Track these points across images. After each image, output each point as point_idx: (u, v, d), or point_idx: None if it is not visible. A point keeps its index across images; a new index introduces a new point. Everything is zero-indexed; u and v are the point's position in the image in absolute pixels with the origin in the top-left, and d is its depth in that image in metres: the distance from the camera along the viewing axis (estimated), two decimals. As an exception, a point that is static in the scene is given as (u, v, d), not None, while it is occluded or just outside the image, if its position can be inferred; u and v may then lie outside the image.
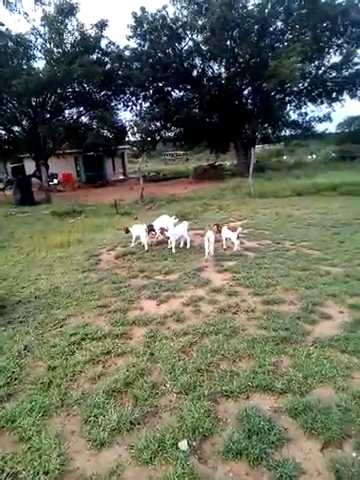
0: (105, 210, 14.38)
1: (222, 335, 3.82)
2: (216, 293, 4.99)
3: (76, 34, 22.95)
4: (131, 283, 5.70)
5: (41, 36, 22.80)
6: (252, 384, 3.08)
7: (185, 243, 7.60)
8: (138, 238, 8.00)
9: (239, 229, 7.10)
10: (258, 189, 15.31)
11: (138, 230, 7.95)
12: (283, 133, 29.46)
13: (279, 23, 22.99)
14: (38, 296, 5.57)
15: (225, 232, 7.09)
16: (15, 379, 3.47)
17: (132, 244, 7.99)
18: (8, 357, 3.84)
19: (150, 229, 8.08)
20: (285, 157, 44.05)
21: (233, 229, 7.16)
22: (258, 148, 33.35)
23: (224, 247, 7.29)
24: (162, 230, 7.99)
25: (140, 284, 5.59)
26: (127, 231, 8.15)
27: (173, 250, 7.27)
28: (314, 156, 42.96)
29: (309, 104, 28.55)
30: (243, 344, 3.62)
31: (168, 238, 7.67)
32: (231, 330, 3.90)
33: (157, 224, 8.15)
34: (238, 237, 7.09)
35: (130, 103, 28.34)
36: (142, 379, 3.25)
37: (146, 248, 7.71)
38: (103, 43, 24.83)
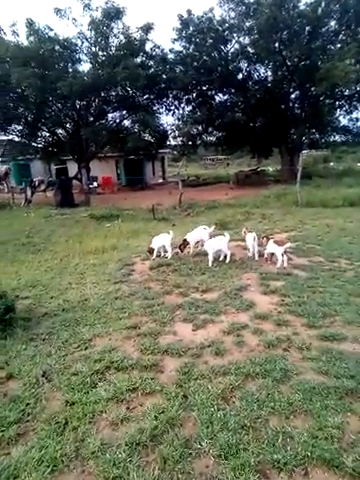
0: (142, 215, 14.03)
1: (271, 379, 3.15)
2: (262, 321, 4.31)
3: (121, 37, 23.02)
4: (165, 300, 5.14)
5: (87, 40, 23.06)
6: (311, 454, 2.40)
7: (225, 257, 6.94)
8: (161, 249, 7.45)
9: (287, 244, 6.36)
10: (306, 197, 14.33)
11: (161, 241, 7.39)
12: (332, 139, 27.86)
13: (333, 23, 21.73)
14: (66, 309, 5.16)
15: (270, 246, 6.37)
16: (28, 414, 3.01)
17: (153, 256, 7.36)
18: (25, 383, 3.41)
19: (184, 244, 7.46)
20: (332, 164, 42.04)
21: (280, 243, 6.43)
22: (304, 154, 31.86)
23: (268, 262, 6.59)
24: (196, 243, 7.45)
25: (175, 302, 5.02)
26: (151, 251, 7.44)
27: (210, 264, 6.66)
28: (363, 163, 40.68)
29: (360, 109, 26.94)
30: (298, 394, 2.94)
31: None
32: (282, 373, 3.22)
33: (192, 236, 7.56)
34: (285, 252, 6.34)
35: (173, 107, 28.08)
36: (173, 432, 2.67)
37: (169, 257, 7.23)
38: (148, 46, 24.73)
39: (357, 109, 27.05)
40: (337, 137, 27.94)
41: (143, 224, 12.18)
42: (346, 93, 25.07)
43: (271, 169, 36.49)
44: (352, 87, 18.44)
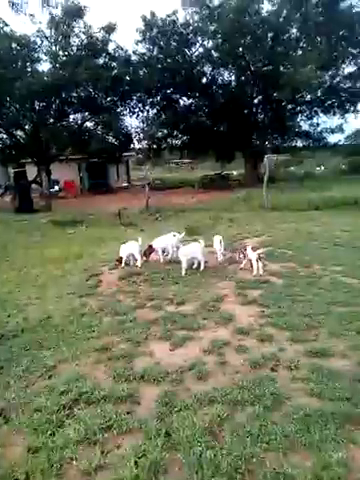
0: (108, 220, 13.47)
1: (262, 406, 2.84)
2: (244, 336, 4.00)
3: (83, 37, 22.24)
4: (137, 315, 4.73)
5: (47, 38, 22.11)
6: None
7: (199, 264, 6.62)
8: (130, 257, 7.08)
9: (260, 250, 6.14)
10: (271, 201, 14.37)
11: (129, 248, 7.01)
12: (294, 144, 28.55)
13: (294, 30, 22.26)
14: (26, 329, 4.61)
15: (250, 253, 6.13)
16: (-21, 469, 2.50)
17: (122, 265, 6.98)
18: (-24, 426, 2.88)
19: (150, 250, 7.14)
20: (293, 168, 43.18)
21: (255, 249, 6.21)
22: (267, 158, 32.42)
23: (240, 266, 6.36)
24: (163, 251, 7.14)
25: (148, 317, 4.62)
26: (120, 261, 7.08)
27: (183, 272, 6.32)
28: (322, 168, 42.07)
29: (321, 115, 27.81)
30: (293, 424, 2.64)
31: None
32: (273, 398, 2.92)
33: (159, 243, 7.21)
34: (260, 258, 6.13)
35: (137, 109, 27.54)
36: (156, 482, 2.28)
37: (139, 265, 6.88)
38: (111, 47, 24.08)
39: (317, 114, 27.92)
40: (299, 142, 28.61)
41: (109, 230, 11.64)
42: (307, 99, 25.78)
43: (235, 173, 36.88)
44: (315, 92, 18.82)
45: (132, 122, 53.96)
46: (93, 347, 3.96)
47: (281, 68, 22.25)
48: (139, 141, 27.23)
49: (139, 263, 6.94)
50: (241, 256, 6.34)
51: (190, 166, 54.80)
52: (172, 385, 3.22)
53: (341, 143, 31.59)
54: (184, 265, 6.38)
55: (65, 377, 3.44)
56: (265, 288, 5.39)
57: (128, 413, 2.89)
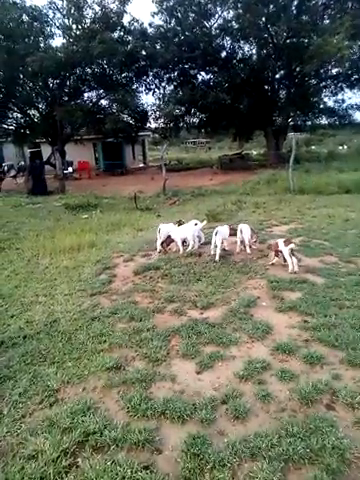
0: (123, 204, 12.79)
1: (323, 469, 2.14)
2: (287, 356, 3.28)
3: (96, 8, 21.16)
4: (156, 322, 4.05)
5: (59, 10, 21.08)
6: None
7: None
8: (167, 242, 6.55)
9: (291, 244, 5.31)
10: (298, 184, 13.37)
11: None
12: (319, 121, 26.97)
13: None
14: (28, 336, 4.00)
15: (282, 246, 5.33)
16: None
17: (180, 251, 6.42)
18: None
19: (168, 241, 6.48)
20: (314, 147, 41.30)
21: (287, 242, 5.41)
22: (290, 136, 30.93)
23: (271, 261, 5.60)
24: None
25: (169, 326, 3.93)
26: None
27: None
28: (345, 147, 40.09)
29: (347, 90, 26.04)
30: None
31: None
32: (337, 456, 2.21)
33: (179, 233, 6.51)
34: (292, 253, 5.33)
35: (153, 86, 26.46)
36: None
37: (181, 252, 6.39)
38: (125, 20, 22.93)
39: (343, 90, 26.18)
40: (324, 119, 27.02)
41: (125, 215, 10.96)
42: (333, 72, 24.11)
43: (255, 153, 35.50)
44: (345, 65, 17.35)
45: (148, 99, 52.59)
46: (104, 364, 3.31)
47: (307, 39, 20.61)
48: (156, 119, 26.19)
49: (181, 250, 6.41)
50: (273, 253, 5.55)
51: (207, 146, 53.37)
52: (202, 426, 2.54)
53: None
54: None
55: (70, 406, 2.81)
56: (304, 289, 4.62)
57: (145, 468, 2.24)
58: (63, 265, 6.49)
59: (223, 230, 6.16)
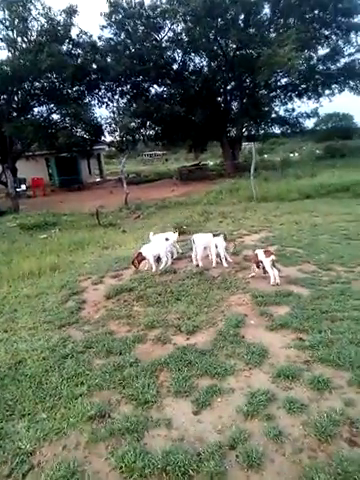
0: (85, 220, 12.13)
1: None
2: (290, 382, 2.96)
3: (42, 20, 20.47)
4: (138, 354, 3.60)
5: (1, 22, 20.14)
6: None
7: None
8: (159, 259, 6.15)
9: (272, 256, 5.07)
10: (260, 191, 13.43)
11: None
12: (272, 130, 27.85)
13: (266, 11, 21.28)
14: (-12, 384, 3.40)
15: (262, 257, 5.09)
16: None
17: (153, 269, 6.00)
18: None
19: (139, 259, 6.07)
20: (266, 156, 42.58)
21: (267, 253, 5.18)
22: (244, 146, 31.62)
23: (252, 274, 5.35)
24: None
25: (154, 357, 3.50)
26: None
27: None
28: (296, 154, 41.71)
29: (296, 99, 27.13)
30: None
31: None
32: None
33: (150, 250, 6.10)
34: (274, 264, 5.10)
35: (106, 99, 26.09)
36: None
37: (154, 270, 5.99)
38: (74, 32, 22.46)
39: (292, 99, 27.25)
40: (277, 128, 27.94)
41: (87, 232, 10.34)
42: (283, 82, 25.06)
43: (211, 163, 35.89)
44: (295, 74, 17.94)
45: (102, 113, 51.96)
46: (85, 413, 2.81)
47: (256, 51, 21.21)
48: (111, 133, 25.74)
49: (154, 268, 6.01)
50: (254, 265, 5.29)
51: (164, 158, 53.50)
52: (212, 483, 2.14)
53: (310, 128, 31.17)
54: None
55: (49, 474, 2.30)
56: (291, 303, 4.37)
57: None
58: (23, 293, 5.84)
59: (203, 238, 5.93)
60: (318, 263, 5.81)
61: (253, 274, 5.34)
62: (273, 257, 5.02)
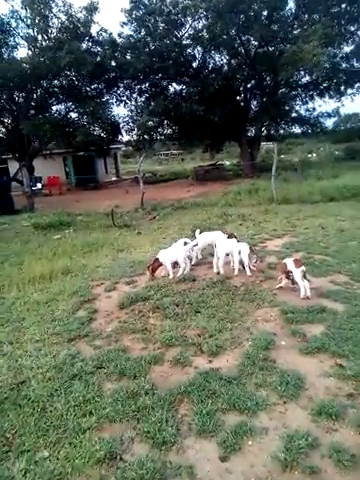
0: (99, 221, 11.80)
1: None
2: (333, 422, 2.49)
3: (63, 18, 20.34)
4: (155, 378, 3.18)
5: (22, 20, 20.10)
6: None
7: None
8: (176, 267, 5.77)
9: (303, 266, 4.59)
10: (280, 193, 12.87)
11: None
12: (292, 130, 27.13)
13: (292, 5, 20.58)
14: (-13, 407, 3.05)
15: (292, 268, 4.62)
16: None
17: (170, 275, 5.61)
18: None
19: (156, 265, 5.66)
20: (283, 156, 41.66)
21: (297, 263, 4.70)
22: (263, 146, 30.96)
23: (279, 284, 4.87)
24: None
25: (172, 383, 3.07)
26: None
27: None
28: (314, 155, 40.66)
29: (317, 98, 26.32)
30: None
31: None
32: None
33: (168, 255, 5.67)
34: (305, 276, 4.61)
35: (124, 97, 25.79)
36: None
37: (171, 277, 5.59)
38: (94, 30, 22.29)
39: (313, 99, 26.46)
40: (296, 128, 27.21)
41: (102, 233, 10.00)
42: (304, 81, 24.34)
43: (228, 163, 35.30)
44: (321, 71, 17.20)
45: (120, 111, 51.90)
46: (94, 454, 2.41)
47: (278, 48, 20.61)
48: (128, 132, 25.45)
49: (171, 275, 5.62)
50: (283, 275, 4.82)
51: (180, 157, 53.10)
52: None
53: (330, 128, 30.26)
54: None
55: None
56: (325, 321, 3.89)
57: None
58: (33, 299, 5.50)
59: (225, 243, 5.57)
60: (350, 274, 5.30)
61: (281, 285, 4.87)
62: (303, 268, 4.55)
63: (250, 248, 5.48)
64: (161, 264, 5.70)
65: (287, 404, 2.73)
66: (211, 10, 19.56)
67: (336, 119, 33.49)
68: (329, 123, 30.36)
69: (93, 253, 8.05)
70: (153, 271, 5.70)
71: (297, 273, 4.57)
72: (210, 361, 3.37)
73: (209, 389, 2.92)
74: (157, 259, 5.67)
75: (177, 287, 5.22)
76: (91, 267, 6.90)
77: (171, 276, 5.61)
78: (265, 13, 21.09)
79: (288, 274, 4.69)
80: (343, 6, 20.03)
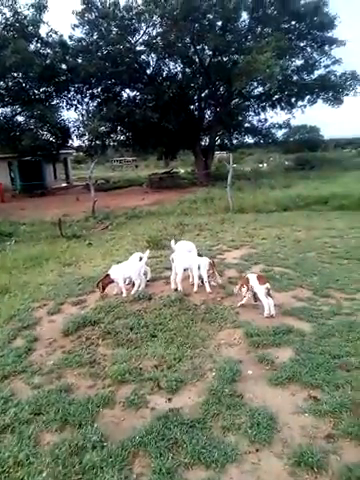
0: (46, 231, 10.95)
1: None
2: (312, 473, 2.15)
3: (7, 13, 19.11)
4: (104, 425, 2.67)
5: None
6: None
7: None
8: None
9: (267, 284, 4.31)
10: (236, 202, 12.80)
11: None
12: (245, 140, 27.66)
13: (245, 17, 21.00)
14: None
15: (255, 285, 4.31)
16: None
17: (123, 294, 5.11)
18: None
19: (106, 281, 5.15)
20: (235, 165, 42.47)
21: (261, 279, 4.40)
22: (216, 155, 31.32)
23: (241, 302, 4.55)
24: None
25: (126, 431, 2.58)
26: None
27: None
28: (265, 165, 41.93)
29: (268, 109, 27.10)
30: None
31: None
32: None
33: (120, 271, 5.17)
34: (269, 293, 4.32)
35: (75, 101, 24.87)
36: None
37: (125, 295, 5.10)
38: (43, 31, 21.24)
39: (265, 110, 27.18)
40: (250, 138, 27.79)
41: (48, 245, 9.21)
42: (256, 92, 24.91)
43: (182, 171, 35.31)
44: (274, 82, 17.53)
45: (70, 116, 50.24)
46: None
47: (233, 57, 20.91)
48: (79, 137, 24.48)
49: (125, 293, 5.12)
50: (242, 289, 4.50)
51: (134, 164, 52.42)
52: None
53: (280, 139, 31.37)
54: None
55: None
56: (293, 344, 3.60)
57: None
58: (-36, 324, 4.74)
59: (184, 258, 5.11)
60: (313, 288, 5.12)
61: (242, 303, 4.55)
62: (268, 285, 4.26)
63: (210, 264, 5.09)
64: (112, 281, 5.17)
65: (260, 452, 2.35)
66: (166, 17, 19.39)
67: (286, 130, 34.88)
68: (280, 134, 31.36)
69: (36, 268, 7.30)
70: (103, 288, 5.16)
71: (261, 290, 4.27)
72: (169, 399, 2.92)
73: (169, 438, 2.47)
74: (108, 275, 5.14)
75: (131, 307, 4.73)
76: (33, 285, 6.20)
77: (124, 294, 5.11)
78: (219, 23, 21.30)
79: (249, 289, 4.38)
80: (293, 23, 20.75)
